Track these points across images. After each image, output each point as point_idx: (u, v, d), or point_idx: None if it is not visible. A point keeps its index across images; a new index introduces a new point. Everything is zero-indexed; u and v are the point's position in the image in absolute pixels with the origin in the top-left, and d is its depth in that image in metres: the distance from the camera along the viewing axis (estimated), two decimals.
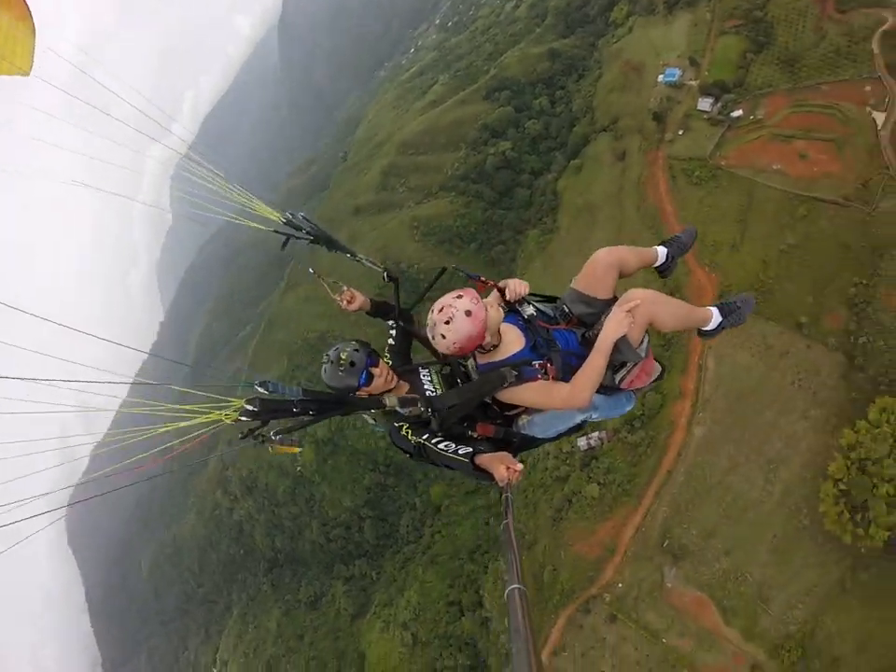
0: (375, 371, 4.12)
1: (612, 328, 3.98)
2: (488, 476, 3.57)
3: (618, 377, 4.30)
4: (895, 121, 53.61)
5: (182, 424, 3.35)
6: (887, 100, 54.91)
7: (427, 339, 4.32)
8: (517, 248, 75.56)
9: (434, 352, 4.67)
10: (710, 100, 62.92)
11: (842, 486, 40.15)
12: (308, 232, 4.97)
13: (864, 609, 39.20)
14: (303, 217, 5.00)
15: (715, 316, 4.61)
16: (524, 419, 4.45)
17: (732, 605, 42.68)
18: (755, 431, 45.79)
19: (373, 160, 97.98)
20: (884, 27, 58.41)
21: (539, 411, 4.36)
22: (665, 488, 47.62)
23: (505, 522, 2.61)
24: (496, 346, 4.22)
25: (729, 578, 43.31)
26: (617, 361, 4.14)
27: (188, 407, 3.35)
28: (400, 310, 4.96)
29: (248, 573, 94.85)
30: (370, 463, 76.14)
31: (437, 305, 3.99)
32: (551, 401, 4.06)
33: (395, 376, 4.33)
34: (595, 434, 53.64)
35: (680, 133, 63.27)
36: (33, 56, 3.66)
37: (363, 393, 4.14)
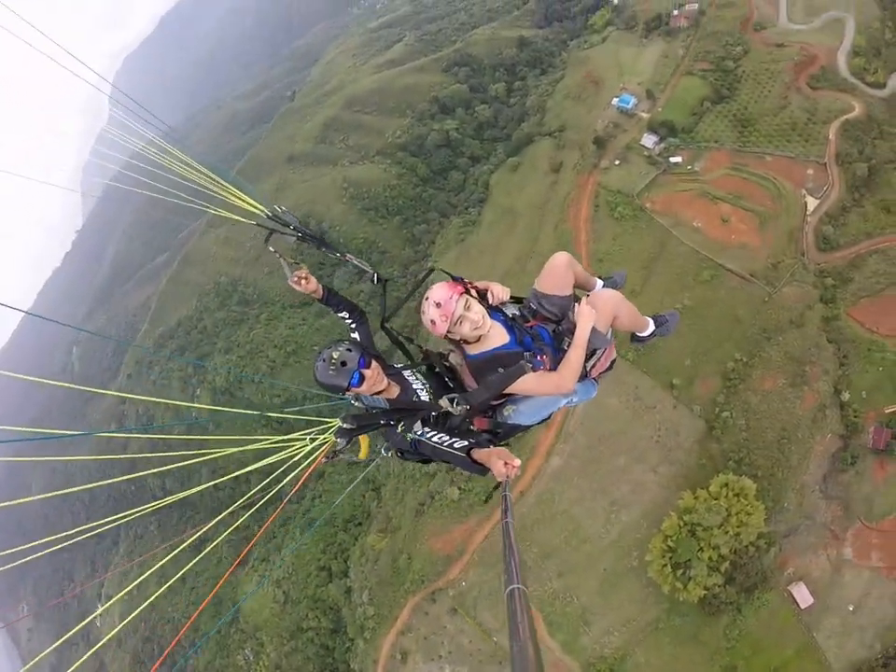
0: (367, 372, 4.10)
1: (584, 324, 4.39)
2: (484, 470, 3.69)
3: (589, 365, 4.71)
4: (826, 211, 54.85)
5: (289, 453, 3.62)
6: (825, 188, 55.84)
7: (403, 343, 4.86)
8: (438, 232, 74.66)
9: (409, 355, 4.98)
10: (655, 138, 62.30)
11: (670, 543, 43.35)
12: (296, 229, 4.87)
13: (673, 649, 43.71)
14: (287, 212, 4.93)
15: (651, 325, 5.22)
16: (509, 409, 4.63)
17: (557, 620, 46.48)
18: (607, 473, 48.51)
19: (319, 108, 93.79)
20: (847, 116, 58.87)
21: (524, 400, 4.60)
22: (516, 506, 49.76)
23: (505, 521, 2.61)
24: (480, 338, 4.39)
25: (558, 597, 46.85)
26: (589, 350, 4.53)
27: (284, 437, 3.59)
28: (384, 315, 4.91)
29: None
30: (262, 419, 76.55)
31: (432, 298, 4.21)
32: (543, 389, 4.35)
33: (385, 377, 4.32)
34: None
35: (617, 163, 62.69)
36: None
37: (351, 393, 4.17)
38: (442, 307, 4.15)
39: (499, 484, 3.49)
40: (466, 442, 3.91)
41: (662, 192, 59.34)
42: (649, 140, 62.58)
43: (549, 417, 4.88)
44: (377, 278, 5.03)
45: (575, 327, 4.45)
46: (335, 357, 4.02)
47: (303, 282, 4.62)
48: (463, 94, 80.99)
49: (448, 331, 4.27)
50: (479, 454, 3.74)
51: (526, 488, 50.48)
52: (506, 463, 3.51)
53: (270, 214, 4.87)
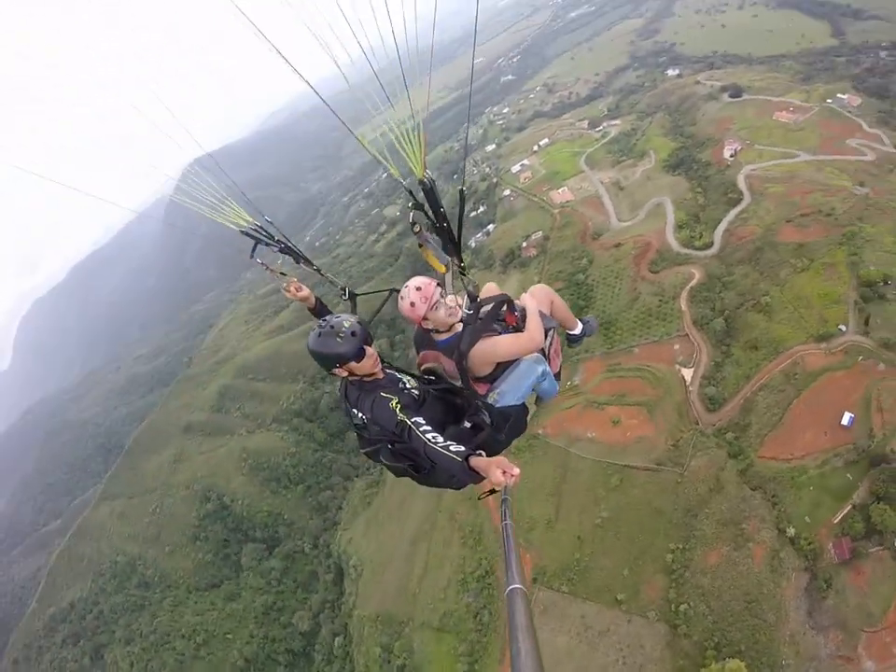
0: (369, 349, 4.33)
1: (529, 302, 5.28)
2: (480, 479, 3.64)
3: (546, 343, 5.33)
4: (702, 375, 58.14)
5: None
6: (694, 356, 59.93)
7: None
8: (344, 496, 72.98)
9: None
10: None
11: None
12: (278, 241, 5.16)
13: None
14: (263, 230, 5.13)
15: (580, 325, 6.39)
16: (493, 395, 5.01)
17: None
18: None
19: (214, 376, 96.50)
20: (690, 284, 66.03)
21: (503, 380, 5.05)
22: None
23: (505, 523, 2.72)
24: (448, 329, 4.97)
25: None
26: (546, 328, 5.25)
27: None
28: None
29: None
30: None
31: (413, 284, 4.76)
32: (519, 344, 4.95)
33: (379, 363, 4.53)
34: None
35: None
36: None
37: (343, 371, 4.32)
38: (423, 290, 4.64)
39: (492, 492, 3.60)
40: (463, 448, 3.80)
41: (549, 415, 61.05)
42: None
43: (530, 394, 5.27)
44: (348, 293, 5.29)
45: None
46: (346, 325, 4.21)
47: (294, 289, 4.97)
48: None
49: (425, 316, 4.70)
50: (477, 461, 3.62)
51: None
52: (504, 472, 3.42)
53: (255, 227, 5.11)
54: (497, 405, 4.99)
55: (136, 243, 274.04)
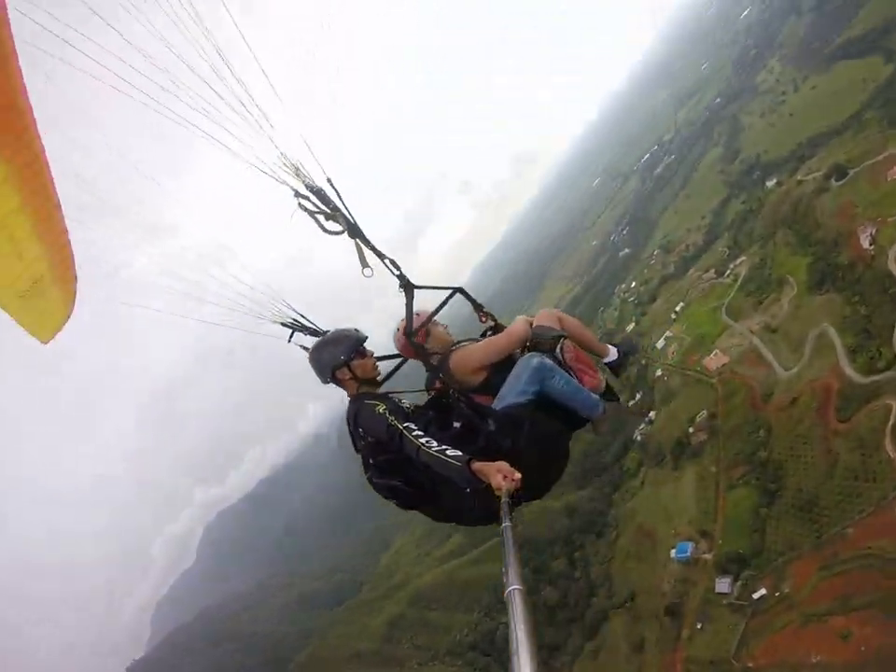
0: (367, 351, 4.61)
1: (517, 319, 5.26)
2: (480, 483, 3.54)
3: (557, 349, 4.94)
4: None
5: None
6: None
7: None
8: None
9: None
10: (728, 579, 57.00)
11: None
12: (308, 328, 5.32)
13: None
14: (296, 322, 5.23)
15: (613, 353, 5.67)
16: (495, 401, 4.75)
17: None
18: None
19: (386, 602, 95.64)
20: (891, 420, 52.30)
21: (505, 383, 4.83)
22: None
23: (505, 525, 2.73)
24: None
25: None
26: (546, 337, 4.95)
27: None
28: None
29: None
30: None
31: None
32: (493, 344, 5.03)
33: (378, 369, 4.80)
34: None
35: (699, 626, 56.45)
36: (58, 328, 3.87)
37: (347, 374, 4.47)
38: (421, 314, 5.06)
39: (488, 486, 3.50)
40: (459, 452, 3.72)
41: (761, 640, 50.83)
42: (723, 584, 57.34)
43: (536, 392, 4.63)
44: (403, 284, 5.08)
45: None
46: (355, 328, 4.65)
47: None
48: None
49: (427, 331, 5.08)
50: (479, 465, 3.52)
51: None
52: (505, 476, 3.38)
53: (292, 320, 5.19)
54: (497, 407, 4.69)
55: (317, 459, 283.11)
